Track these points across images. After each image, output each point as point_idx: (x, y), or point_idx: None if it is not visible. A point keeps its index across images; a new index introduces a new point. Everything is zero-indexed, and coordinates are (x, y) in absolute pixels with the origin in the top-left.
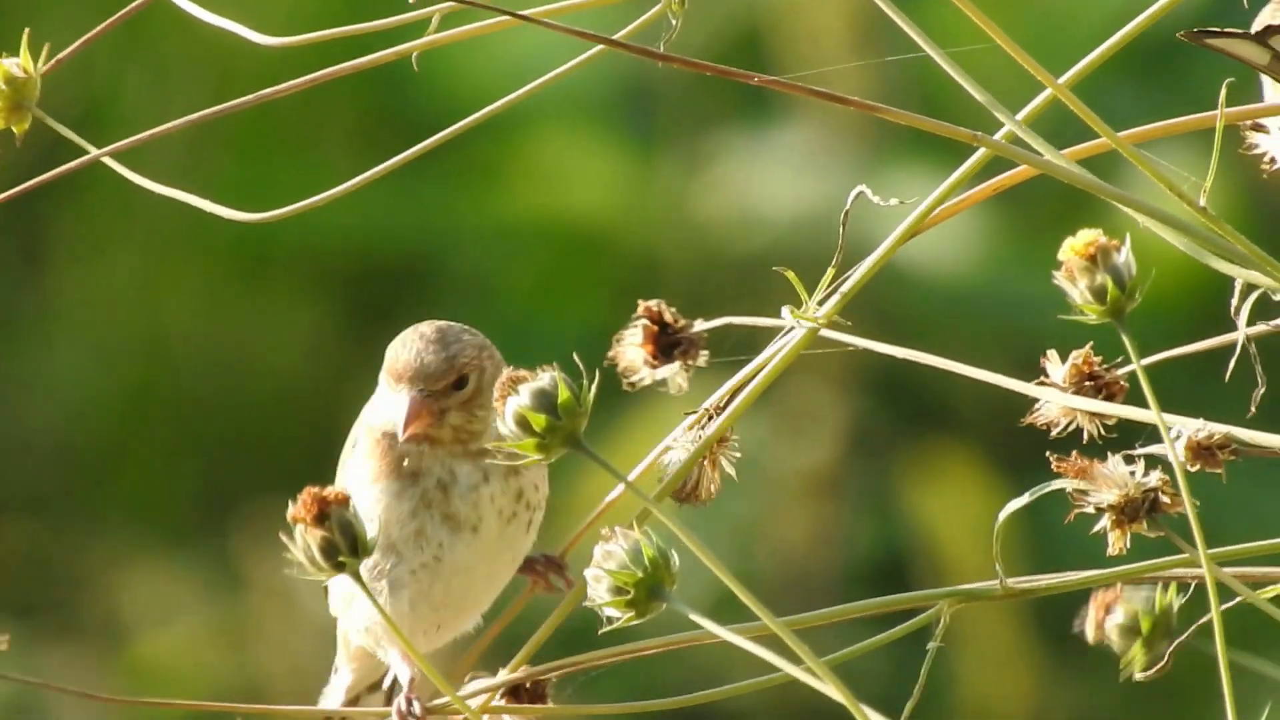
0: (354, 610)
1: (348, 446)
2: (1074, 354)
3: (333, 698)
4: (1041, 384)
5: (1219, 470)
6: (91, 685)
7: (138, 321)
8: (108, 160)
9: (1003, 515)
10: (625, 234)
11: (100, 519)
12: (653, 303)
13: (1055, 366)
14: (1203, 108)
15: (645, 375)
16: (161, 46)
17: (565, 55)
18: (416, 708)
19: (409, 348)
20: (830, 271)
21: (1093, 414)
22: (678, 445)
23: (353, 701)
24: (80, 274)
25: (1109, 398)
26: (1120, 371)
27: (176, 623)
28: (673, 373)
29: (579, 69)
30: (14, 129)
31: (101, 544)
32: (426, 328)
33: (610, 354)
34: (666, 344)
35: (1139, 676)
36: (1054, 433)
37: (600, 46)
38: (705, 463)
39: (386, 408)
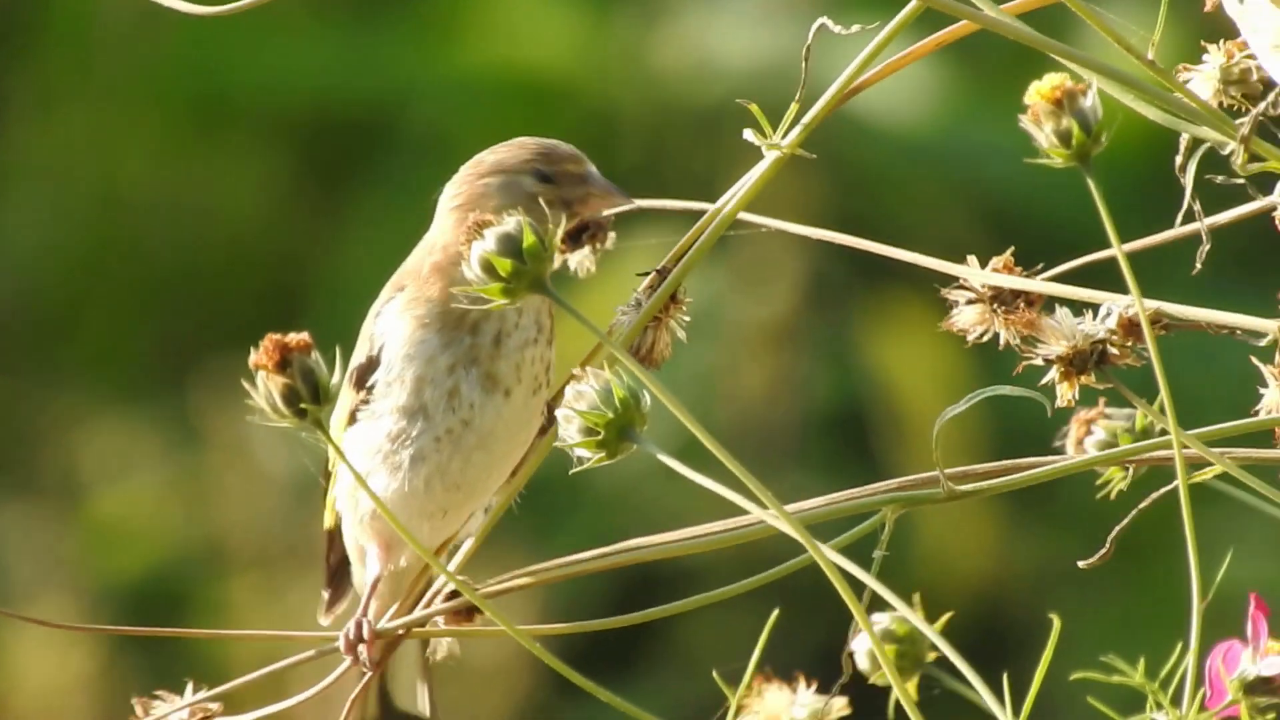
0: (359, 499)
1: (383, 301)
2: (994, 260)
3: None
4: (963, 288)
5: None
6: (49, 542)
7: (94, 177)
8: None
9: (941, 420)
10: (583, 87)
11: (57, 375)
12: None
13: (976, 271)
14: None
15: (554, 261)
16: None
17: None
18: (366, 631)
19: (546, 140)
20: (794, 106)
21: (1011, 320)
22: (631, 307)
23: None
24: (35, 130)
25: (1028, 304)
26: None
27: (134, 479)
28: (581, 257)
29: None
30: None
31: (58, 400)
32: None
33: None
34: (574, 229)
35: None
36: (970, 339)
37: None
38: (658, 325)
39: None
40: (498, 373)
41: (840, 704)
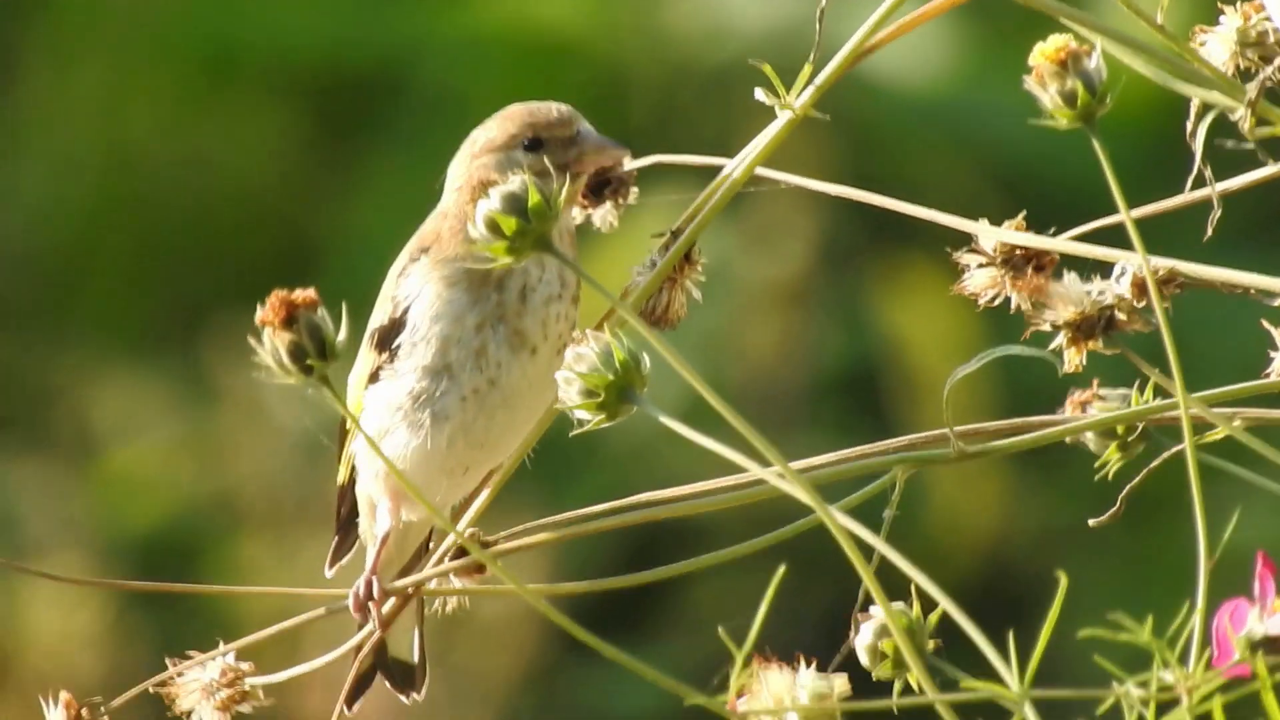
0: (384, 447)
1: (406, 263)
2: (1007, 223)
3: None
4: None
5: (1166, 305)
6: (60, 498)
7: (105, 132)
8: None
9: (952, 379)
10: (594, 46)
11: (68, 331)
12: None
13: (986, 236)
14: None
15: (577, 216)
16: None
17: None
18: (375, 590)
19: (540, 104)
20: (808, 67)
21: (1019, 285)
22: (646, 268)
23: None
24: (47, 86)
25: (1039, 269)
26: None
27: (146, 436)
28: (604, 212)
29: None
30: None
31: (70, 356)
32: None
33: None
34: (596, 184)
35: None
36: (981, 303)
37: None
38: (673, 285)
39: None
40: (525, 329)
41: (843, 683)
